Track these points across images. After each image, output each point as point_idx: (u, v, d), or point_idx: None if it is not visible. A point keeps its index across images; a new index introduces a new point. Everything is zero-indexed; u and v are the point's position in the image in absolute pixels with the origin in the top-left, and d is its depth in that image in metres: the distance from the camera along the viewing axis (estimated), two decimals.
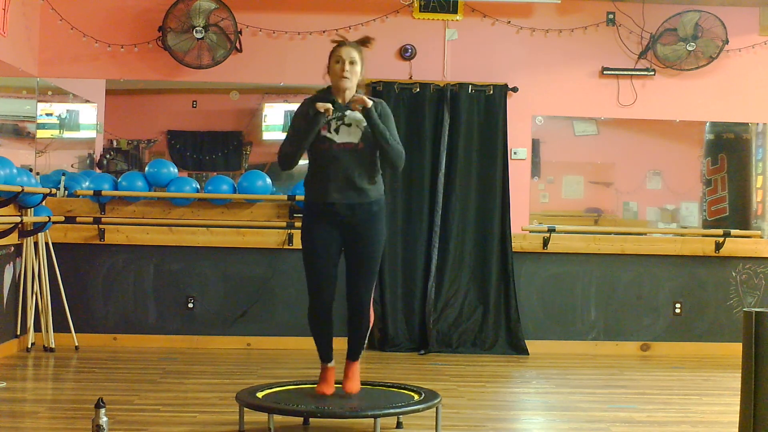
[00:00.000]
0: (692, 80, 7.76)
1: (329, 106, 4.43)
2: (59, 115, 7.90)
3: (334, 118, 4.49)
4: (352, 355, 4.70)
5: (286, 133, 4.66)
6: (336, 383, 4.72)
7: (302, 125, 4.50)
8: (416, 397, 4.74)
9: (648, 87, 7.79)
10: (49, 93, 7.73)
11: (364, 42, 4.63)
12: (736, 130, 8.02)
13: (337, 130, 4.50)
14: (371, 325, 4.71)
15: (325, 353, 4.69)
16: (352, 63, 4.51)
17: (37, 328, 7.00)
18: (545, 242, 7.56)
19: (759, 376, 3.56)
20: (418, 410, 4.54)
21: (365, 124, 4.48)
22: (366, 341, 4.70)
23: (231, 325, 7.40)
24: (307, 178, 4.65)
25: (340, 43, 4.60)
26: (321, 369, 4.73)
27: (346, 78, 4.49)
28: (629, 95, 7.76)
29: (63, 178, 7.39)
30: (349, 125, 4.50)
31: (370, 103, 4.46)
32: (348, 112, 4.51)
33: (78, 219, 7.28)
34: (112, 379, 5.98)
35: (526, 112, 7.72)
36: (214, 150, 8.01)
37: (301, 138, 4.48)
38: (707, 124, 8.00)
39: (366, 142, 4.50)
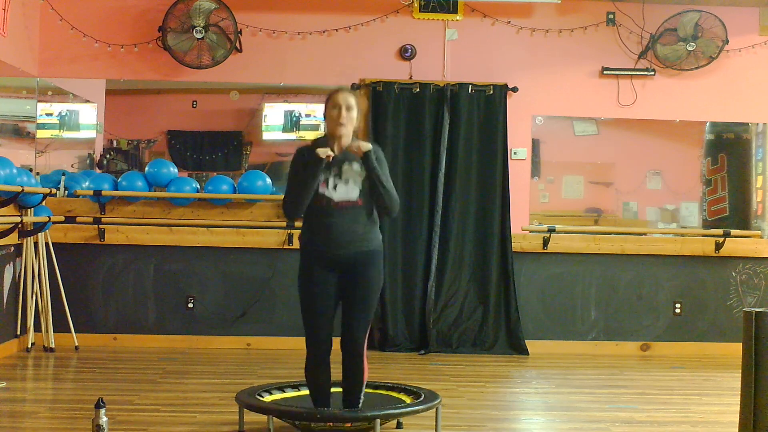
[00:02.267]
0: (692, 80, 7.76)
1: (330, 152, 4.38)
2: (59, 115, 7.90)
3: (331, 175, 4.42)
4: (353, 405, 4.55)
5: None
6: (336, 383, 4.70)
7: (302, 176, 4.42)
8: (416, 397, 4.74)
9: (648, 87, 7.79)
10: (49, 93, 7.73)
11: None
12: (736, 130, 8.02)
13: (335, 188, 4.43)
14: (366, 377, 4.57)
15: (323, 405, 4.57)
16: (348, 109, 4.45)
17: (37, 328, 7.00)
18: (545, 242, 7.56)
19: (759, 376, 3.56)
20: (418, 411, 4.54)
21: (362, 178, 4.43)
22: (363, 395, 4.55)
23: (231, 325, 7.40)
24: (303, 231, 4.56)
25: (337, 90, 4.53)
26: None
27: (342, 125, 4.43)
28: (629, 95, 7.76)
29: (63, 178, 7.39)
30: (347, 181, 4.44)
31: (368, 146, 4.41)
32: (344, 166, 4.44)
33: (78, 219, 7.28)
34: (112, 379, 5.98)
35: (526, 112, 7.72)
36: (214, 150, 8.01)
37: (304, 187, 4.40)
38: (707, 124, 8.00)
39: (364, 198, 4.45)
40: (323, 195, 4.41)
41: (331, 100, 4.48)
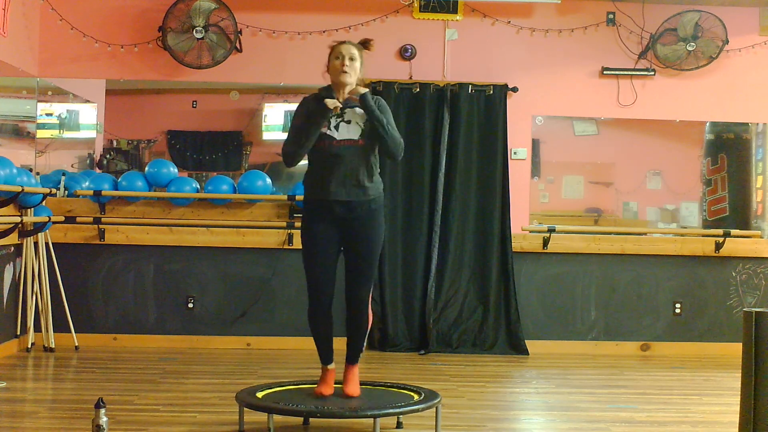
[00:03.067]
0: (692, 80, 7.76)
1: (338, 103, 4.46)
2: (59, 115, 7.90)
3: (333, 115, 4.51)
4: (352, 358, 4.70)
5: (287, 132, 4.66)
6: (336, 383, 4.72)
7: (304, 122, 4.51)
8: (416, 397, 4.74)
9: (648, 87, 7.79)
10: (49, 93, 7.73)
11: (364, 43, 4.64)
12: (736, 130, 8.02)
13: (336, 128, 4.52)
14: (370, 326, 4.71)
15: (325, 355, 4.70)
16: (351, 59, 4.54)
17: (37, 328, 7.00)
18: (545, 242, 7.56)
19: (759, 376, 3.56)
20: (418, 410, 4.54)
21: (365, 120, 4.51)
22: (365, 344, 4.72)
23: (231, 325, 7.40)
24: (306, 176, 4.66)
25: (340, 41, 4.64)
26: (321, 371, 4.73)
27: (345, 72, 4.50)
28: (629, 95, 7.76)
29: (63, 178, 7.39)
30: (349, 122, 4.53)
31: (365, 89, 4.51)
32: (347, 109, 4.53)
33: (78, 219, 7.28)
34: (112, 379, 5.98)
35: (526, 112, 7.72)
36: (214, 150, 8.00)
37: (305, 134, 4.49)
38: (707, 124, 8.00)
39: (366, 138, 4.52)
40: (325, 134, 4.49)
41: (333, 51, 4.60)
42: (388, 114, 4.57)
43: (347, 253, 4.61)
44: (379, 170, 4.65)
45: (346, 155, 4.49)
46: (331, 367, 4.71)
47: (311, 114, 4.50)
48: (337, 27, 7.57)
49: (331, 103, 4.45)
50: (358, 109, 4.54)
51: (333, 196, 4.51)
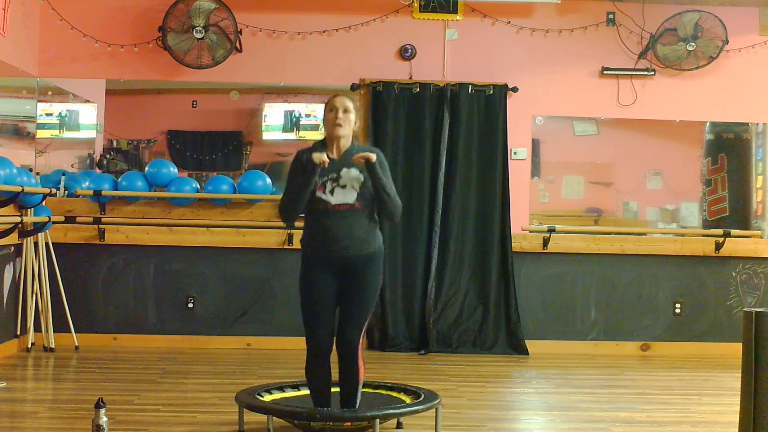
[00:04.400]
0: (692, 80, 7.76)
1: (325, 157, 4.37)
2: (59, 115, 7.90)
3: (328, 179, 4.43)
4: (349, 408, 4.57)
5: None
6: (336, 384, 4.71)
7: (299, 178, 4.44)
8: (416, 397, 4.74)
9: (648, 87, 7.79)
10: (49, 93, 7.73)
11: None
12: (736, 130, 8.02)
13: (332, 192, 4.44)
14: (362, 377, 4.57)
15: (323, 407, 4.57)
16: (346, 111, 4.47)
17: (37, 328, 7.00)
18: (545, 242, 7.56)
19: (759, 376, 3.56)
20: (418, 411, 4.54)
21: (360, 182, 4.43)
22: (360, 395, 4.57)
23: (231, 325, 7.40)
24: (303, 235, 4.59)
25: (335, 94, 4.58)
26: None
27: (339, 125, 4.45)
28: (629, 95, 7.76)
29: (63, 178, 7.39)
30: (344, 186, 4.44)
31: (374, 157, 4.40)
32: (343, 172, 4.45)
33: (78, 219, 7.28)
34: (112, 379, 5.98)
35: (526, 112, 7.72)
36: (214, 150, 8.00)
37: (300, 191, 4.42)
38: (707, 124, 8.00)
39: (362, 201, 4.46)
40: (320, 199, 4.43)
41: (328, 103, 4.53)
42: (387, 172, 4.50)
43: (342, 297, 4.52)
44: (378, 226, 4.57)
45: (341, 219, 4.43)
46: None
47: (305, 170, 4.41)
48: (337, 27, 7.57)
49: (317, 157, 4.35)
50: (353, 171, 4.45)
51: (330, 253, 4.45)
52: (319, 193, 4.43)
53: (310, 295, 4.49)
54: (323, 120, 4.56)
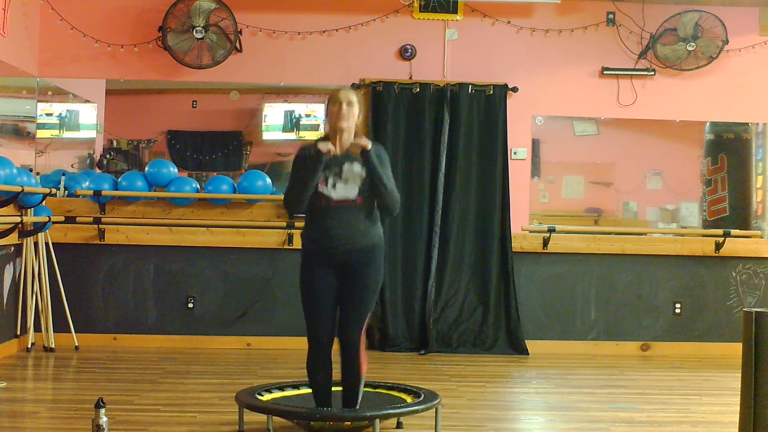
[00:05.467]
0: (692, 80, 7.76)
1: (331, 146, 4.40)
2: (59, 115, 7.90)
3: (331, 173, 4.45)
4: (349, 405, 4.58)
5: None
6: (336, 384, 4.71)
7: (303, 172, 4.45)
8: (416, 397, 4.74)
9: (648, 87, 7.79)
10: (49, 93, 7.73)
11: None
12: (736, 130, 8.02)
13: (334, 186, 4.45)
14: (364, 372, 4.58)
15: (323, 403, 4.59)
16: (349, 104, 4.48)
17: (37, 328, 7.00)
18: (545, 242, 7.56)
19: (759, 376, 3.56)
20: (417, 411, 4.54)
21: (363, 177, 4.45)
22: (362, 391, 4.57)
23: (231, 325, 7.40)
24: (304, 230, 4.60)
25: (338, 89, 4.59)
26: None
27: (343, 118, 4.46)
28: (629, 95, 7.76)
29: (63, 178, 7.39)
30: (346, 181, 4.46)
31: (369, 144, 4.43)
32: (345, 166, 4.46)
33: (78, 219, 7.28)
34: (112, 379, 5.98)
35: (526, 112, 7.71)
36: (214, 150, 8.01)
37: (304, 184, 4.44)
38: (707, 124, 8.00)
39: (363, 196, 4.47)
40: (322, 194, 4.45)
41: (332, 97, 4.54)
42: (387, 166, 4.51)
43: (342, 293, 4.53)
44: (379, 220, 4.58)
45: (343, 213, 4.45)
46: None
47: (308, 163, 4.43)
48: (337, 27, 7.57)
49: (323, 146, 4.38)
50: (356, 167, 4.46)
51: (331, 247, 4.46)
52: (321, 188, 4.44)
53: (311, 291, 4.51)
54: (326, 114, 4.57)
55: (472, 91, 7.53)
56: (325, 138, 4.55)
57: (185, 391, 5.61)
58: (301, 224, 4.62)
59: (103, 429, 3.93)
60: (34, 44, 7.42)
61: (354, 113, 4.49)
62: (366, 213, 4.49)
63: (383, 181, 4.45)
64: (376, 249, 4.54)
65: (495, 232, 7.49)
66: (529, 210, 7.73)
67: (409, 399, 4.79)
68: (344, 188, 4.45)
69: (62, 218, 7.14)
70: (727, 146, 8.03)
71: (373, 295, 4.57)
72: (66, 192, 7.37)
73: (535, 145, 7.84)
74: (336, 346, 4.56)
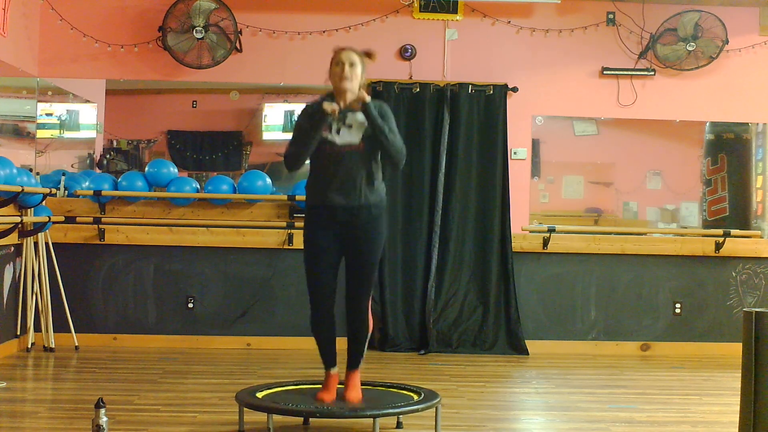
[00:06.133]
0: (692, 80, 7.76)
1: (336, 106, 4.45)
2: (59, 115, 7.90)
3: (334, 121, 4.51)
4: (353, 364, 4.68)
5: (287, 132, 4.68)
6: (337, 385, 4.72)
7: (306, 126, 4.51)
8: (416, 397, 4.74)
9: (648, 87, 7.79)
10: (49, 93, 7.73)
11: (368, 54, 4.62)
12: (736, 130, 8.02)
13: (338, 131, 4.51)
14: (370, 331, 4.69)
15: (328, 359, 4.68)
16: (352, 65, 4.52)
17: (37, 328, 7.00)
18: (545, 242, 7.56)
19: (759, 376, 3.56)
20: (417, 410, 4.54)
21: (365, 126, 4.50)
22: (366, 349, 4.67)
23: (231, 325, 7.40)
24: (308, 181, 4.67)
25: (340, 48, 4.62)
26: (324, 375, 4.70)
27: (346, 79, 4.49)
28: (629, 95, 7.76)
29: (63, 178, 7.39)
30: (350, 126, 4.52)
31: (368, 97, 4.48)
32: (349, 114, 4.52)
33: (78, 219, 7.28)
34: (112, 379, 5.98)
35: (526, 112, 7.72)
36: (214, 150, 8.01)
37: (307, 138, 4.49)
38: (707, 124, 8.00)
39: (367, 142, 4.51)
40: (326, 139, 4.50)
41: (334, 58, 4.59)
42: (390, 121, 4.56)
43: (347, 258, 4.61)
44: (381, 176, 4.64)
45: (346, 160, 4.49)
46: (334, 371, 4.67)
47: (312, 118, 4.49)
48: (337, 27, 7.57)
49: (327, 105, 4.43)
50: (359, 115, 4.52)
51: (334, 201, 4.51)
52: (325, 134, 4.49)
53: (314, 253, 4.57)
54: (329, 74, 4.60)
55: (472, 91, 7.53)
56: (330, 95, 4.57)
57: (185, 391, 5.61)
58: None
59: (103, 429, 3.93)
60: (34, 44, 7.42)
61: (357, 73, 4.53)
62: (369, 163, 4.53)
63: (383, 130, 4.49)
64: (379, 207, 4.58)
65: (495, 232, 7.49)
66: (529, 210, 7.73)
67: (409, 399, 4.79)
68: (348, 133, 4.50)
69: (62, 218, 7.14)
70: (727, 146, 8.03)
71: (377, 258, 4.63)
72: (66, 192, 7.37)
73: (535, 145, 7.84)
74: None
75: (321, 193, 4.55)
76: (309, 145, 4.49)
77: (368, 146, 4.52)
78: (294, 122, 4.67)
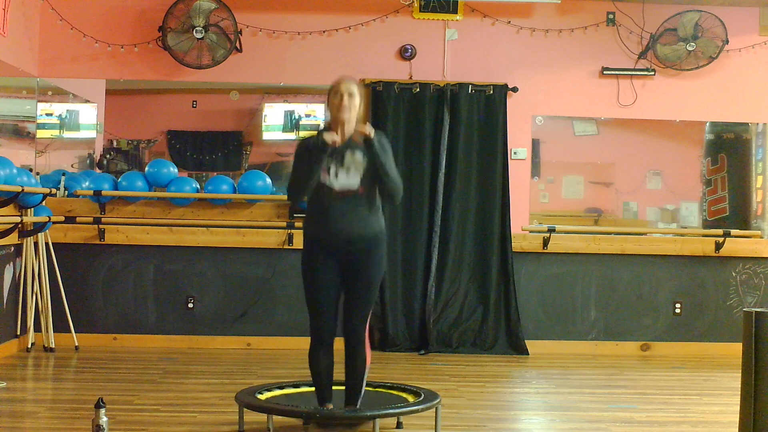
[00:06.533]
0: (692, 80, 7.76)
1: (337, 137, 4.42)
2: (59, 115, 7.90)
3: (333, 163, 4.46)
4: (352, 400, 4.61)
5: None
6: (337, 385, 4.71)
7: (305, 162, 4.46)
8: (416, 397, 4.74)
9: (648, 87, 7.79)
10: (49, 93, 7.73)
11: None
12: (736, 130, 8.01)
13: (336, 176, 4.47)
14: (368, 365, 4.61)
15: (323, 394, 4.62)
16: (350, 96, 4.50)
17: (37, 328, 7.00)
18: (545, 242, 7.56)
19: (759, 376, 3.57)
20: (417, 410, 4.54)
21: (364, 166, 4.47)
22: (364, 386, 4.60)
23: (231, 325, 7.40)
24: (305, 218, 4.64)
25: (339, 79, 4.60)
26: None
27: (345, 109, 4.48)
28: (629, 95, 7.76)
29: (63, 178, 7.39)
30: (348, 170, 4.48)
31: (372, 131, 4.45)
32: (347, 155, 4.48)
33: (78, 219, 7.28)
34: (112, 379, 5.98)
35: (526, 112, 7.71)
36: (214, 150, 8.00)
37: (309, 173, 4.44)
38: (707, 124, 8.00)
39: (365, 185, 4.49)
40: (324, 183, 4.47)
41: (333, 88, 4.57)
42: (389, 154, 4.54)
43: (345, 284, 4.56)
44: (381, 209, 4.60)
45: (345, 205, 4.47)
46: (329, 407, 4.61)
47: (311, 151, 4.45)
48: (337, 27, 7.57)
49: (328, 136, 4.40)
50: (357, 155, 4.48)
51: (332, 234, 4.48)
52: (323, 178, 4.46)
53: (313, 282, 4.54)
54: (327, 104, 4.59)
55: (472, 91, 7.53)
56: (328, 128, 4.56)
57: (185, 391, 5.61)
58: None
59: (103, 429, 3.93)
60: (34, 44, 7.42)
61: (355, 104, 4.53)
62: (368, 203, 4.52)
63: (386, 168, 4.47)
64: (378, 239, 4.56)
65: (495, 232, 7.49)
66: (529, 210, 7.73)
67: (409, 399, 4.79)
68: (346, 177, 4.47)
69: (62, 218, 7.14)
70: (727, 146, 8.03)
71: (376, 286, 4.60)
72: (66, 192, 7.37)
73: (535, 145, 7.84)
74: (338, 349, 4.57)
75: (319, 226, 4.52)
76: (311, 178, 4.45)
77: (366, 188, 4.49)
78: (293, 157, 4.61)
